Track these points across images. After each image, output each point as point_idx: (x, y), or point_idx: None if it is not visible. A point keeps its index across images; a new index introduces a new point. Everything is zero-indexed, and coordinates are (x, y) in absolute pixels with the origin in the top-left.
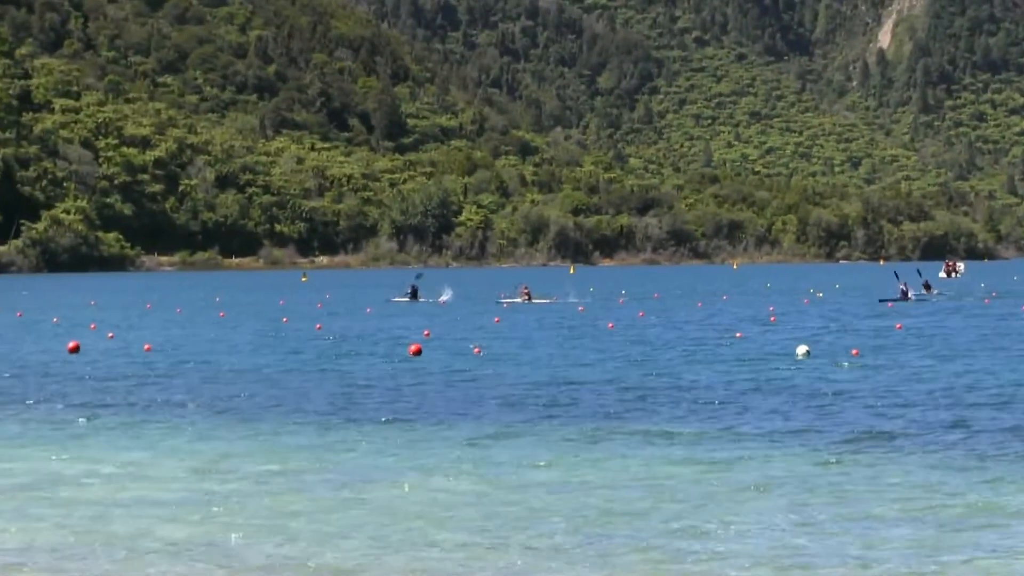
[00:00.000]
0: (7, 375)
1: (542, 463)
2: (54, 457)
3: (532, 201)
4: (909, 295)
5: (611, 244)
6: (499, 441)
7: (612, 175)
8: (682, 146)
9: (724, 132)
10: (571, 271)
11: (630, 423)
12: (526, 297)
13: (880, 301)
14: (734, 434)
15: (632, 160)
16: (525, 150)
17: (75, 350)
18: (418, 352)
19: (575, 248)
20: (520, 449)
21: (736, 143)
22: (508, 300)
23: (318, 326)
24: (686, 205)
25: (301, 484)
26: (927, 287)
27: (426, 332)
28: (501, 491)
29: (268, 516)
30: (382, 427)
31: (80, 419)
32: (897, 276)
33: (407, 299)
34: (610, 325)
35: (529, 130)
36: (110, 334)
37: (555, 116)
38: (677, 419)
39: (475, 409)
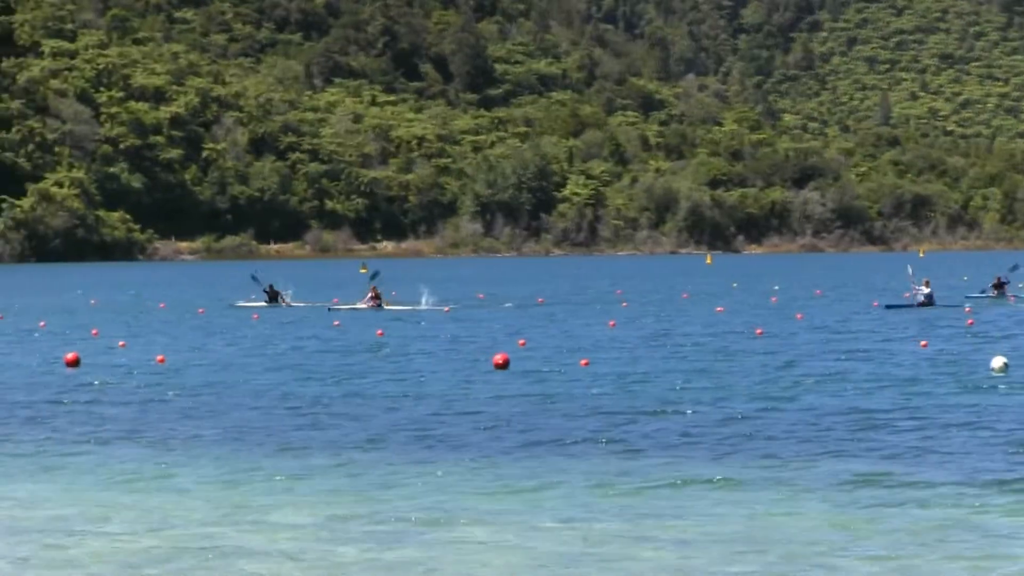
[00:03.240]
0: None
1: (715, 513)
2: (39, 501)
3: (657, 170)
4: (922, 295)
5: (759, 226)
6: (650, 487)
7: (760, 136)
8: (851, 99)
9: (906, 80)
10: (708, 260)
11: (794, 462)
12: (374, 302)
13: (887, 307)
14: (919, 482)
15: (786, 117)
16: (648, 104)
17: (73, 363)
18: (505, 364)
19: (712, 231)
20: (675, 494)
21: (922, 95)
22: (344, 306)
23: (379, 332)
24: (857, 175)
25: (359, 536)
26: (998, 286)
27: (521, 341)
28: (670, 553)
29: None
30: (462, 464)
31: (75, 453)
32: (911, 271)
33: (262, 303)
34: (758, 331)
35: (653, 78)
36: (121, 342)
37: (686, 60)
38: (856, 455)
39: (598, 443)
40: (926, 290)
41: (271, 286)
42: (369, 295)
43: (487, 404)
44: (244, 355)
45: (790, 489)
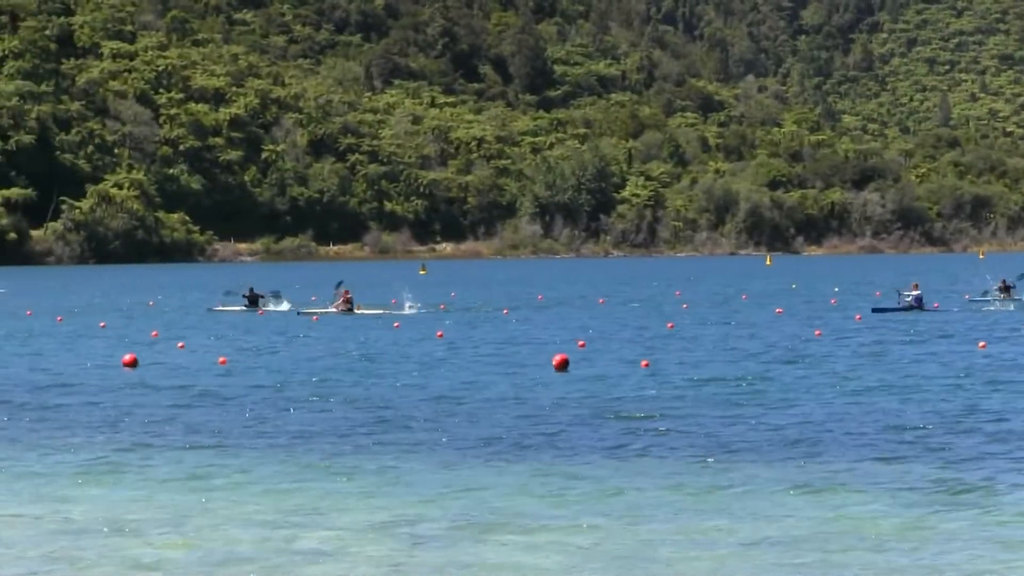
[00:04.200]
0: (43, 398)
1: (777, 515)
2: (97, 503)
3: (716, 171)
4: (910, 299)
5: (819, 227)
6: (712, 489)
7: (820, 137)
8: (911, 100)
9: (966, 81)
10: (767, 262)
11: (857, 465)
12: (345, 305)
13: (875, 311)
14: (985, 486)
15: (846, 118)
16: (707, 105)
17: (131, 364)
18: (563, 365)
19: (772, 232)
20: (732, 496)
21: (982, 96)
22: (316, 310)
23: (439, 333)
24: (917, 176)
25: (424, 536)
26: (1006, 289)
27: (581, 343)
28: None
29: None
30: (521, 466)
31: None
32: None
33: (242, 307)
34: (817, 333)
35: (712, 80)
36: (180, 344)
37: (746, 61)
38: (919, 459)
39: (656, 445)
40: (915, 293)
41: (251, 289)
42: (340, 299)
43: (545, 407)
44: (305, 357)
45: (851, 492)
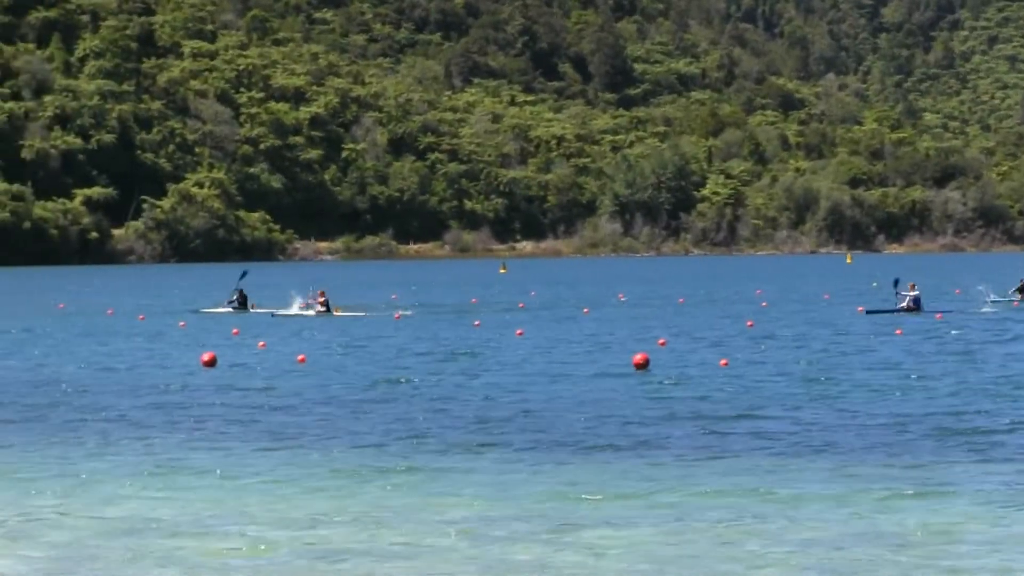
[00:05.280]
0: (122, 395)
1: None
2: (172, 502)
3: (797, 170)
4: (909, 300)
5: (900, 225)
6: (801, 490)
7: (901, 135)
8: (992, 97)
9: None
10: (848, 260)
11: (942, 464)
12: (321, 307)
13: (869, 313)
14: None
15: (927, 116)
16: (787, 103)
17: (211, 363)
18: (644, 364)
19: (853, 230)
20: (821, 495)
21: None
22: (290, 312)
23: (519, 332)
24: (998, 174)
25: (499, 535)
26: (1022, 290)
27: (661, 341)
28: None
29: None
30: (593, 463)
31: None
32: (895, 285)
33: (232, 309)
34: (898, 331)
35: (793, 77)
36: (261, 343)
37: (826, 59)
38: (996, 459)
39: (736, 445)
40: (912, 294)
41: (241, 291)
42: (318, 301)
43: (625, 405)
44: (384, 357)
45: (935, 494)
